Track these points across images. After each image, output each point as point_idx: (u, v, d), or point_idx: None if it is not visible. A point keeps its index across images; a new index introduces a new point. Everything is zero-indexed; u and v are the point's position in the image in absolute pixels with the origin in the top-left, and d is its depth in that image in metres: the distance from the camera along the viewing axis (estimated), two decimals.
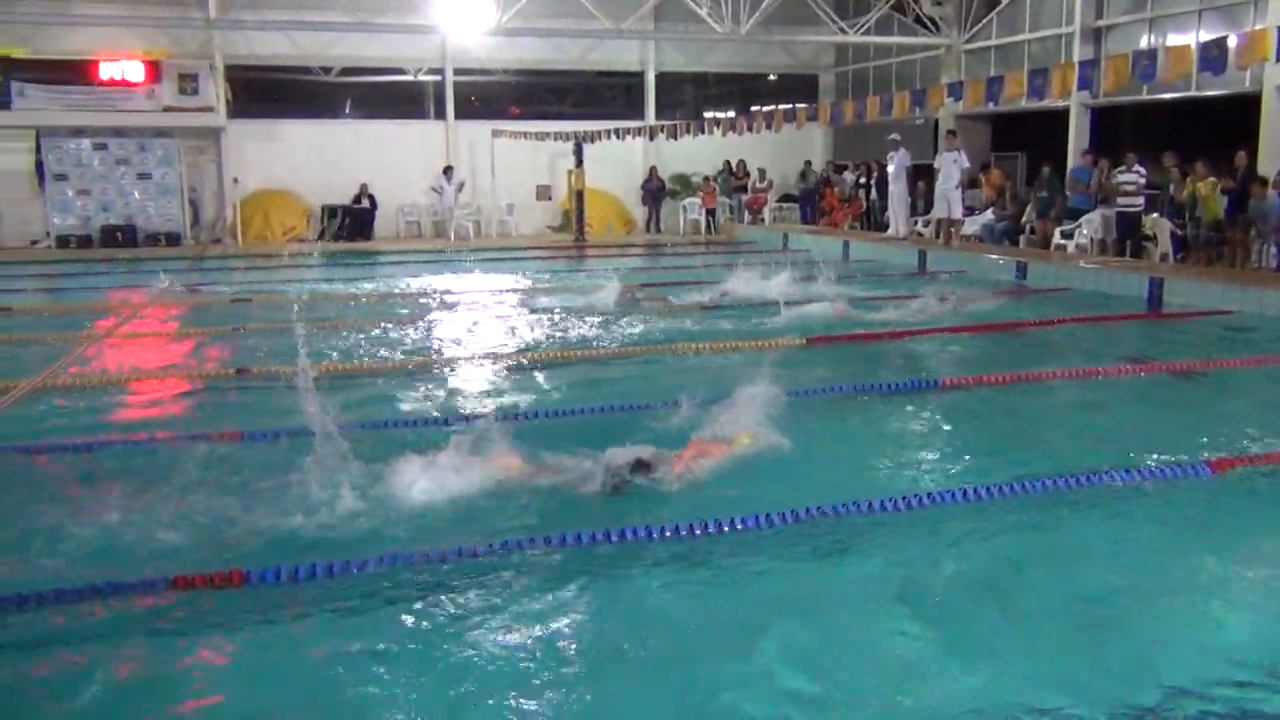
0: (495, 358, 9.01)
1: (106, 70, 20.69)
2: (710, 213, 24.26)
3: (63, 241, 21.08)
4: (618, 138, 20.33)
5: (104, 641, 3.81)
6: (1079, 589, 4.21)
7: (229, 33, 21.70)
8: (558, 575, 4.33)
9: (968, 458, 6.09)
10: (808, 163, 24.45)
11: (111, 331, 10.51)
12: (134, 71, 20.80)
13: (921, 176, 19.63)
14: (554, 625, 3.90)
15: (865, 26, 22.65)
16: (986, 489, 5.20)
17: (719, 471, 5.46)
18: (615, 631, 3.88)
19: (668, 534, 4.68)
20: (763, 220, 23.79)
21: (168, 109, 21.06)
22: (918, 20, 22.31)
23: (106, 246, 20.72)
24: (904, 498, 5.09)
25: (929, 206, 18.94)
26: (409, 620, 3.98)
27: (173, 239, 21.50)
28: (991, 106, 14.15)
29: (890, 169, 18.88)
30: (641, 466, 5.32)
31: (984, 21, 21.31)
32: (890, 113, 13.41)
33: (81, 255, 19.60)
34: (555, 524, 4.82)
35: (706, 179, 24.67)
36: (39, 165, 21.42)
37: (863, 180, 22.47)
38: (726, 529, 4.73)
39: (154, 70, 20.93)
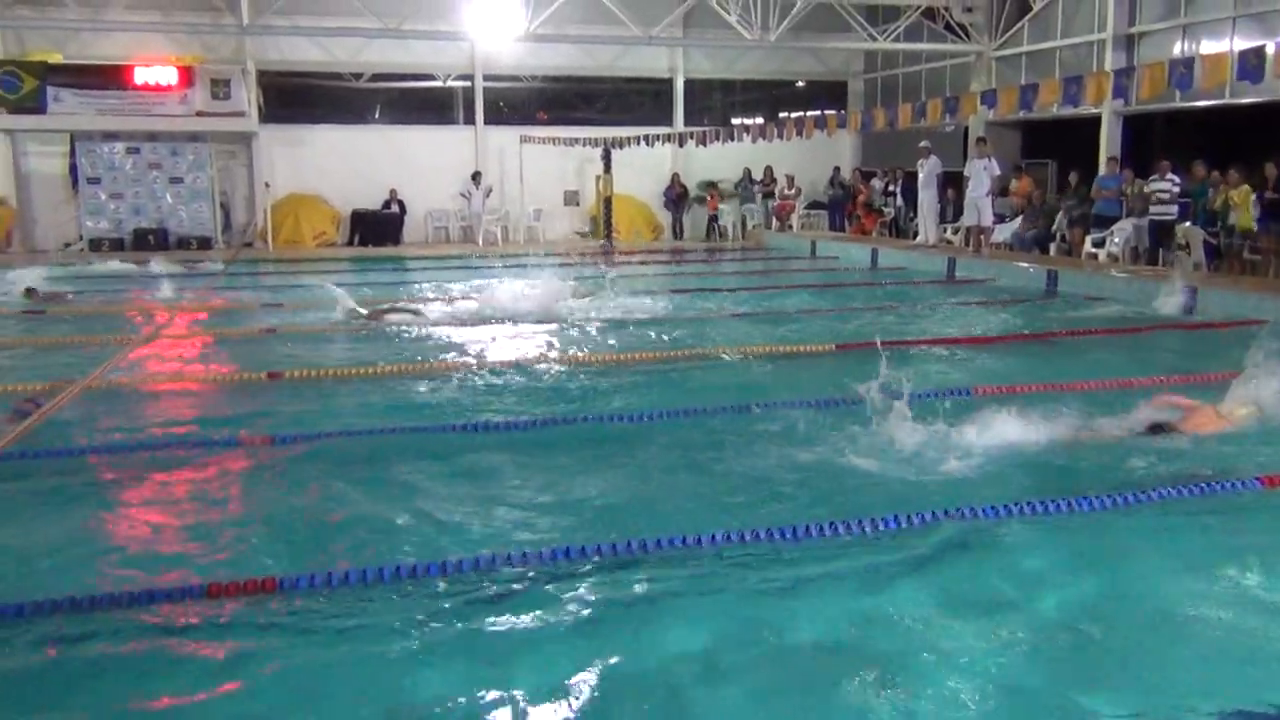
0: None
1: (140, 75, 20.87)
2: (713, 218, 24.42)
3: (95, 244, 21.29)
4: (646, 144, 20.34)
5: (141, 647, 3.82)
6: None
7: (261, 38, 21.87)
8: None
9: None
10: (836, 169, 24.39)
11: (156, 334, 10.56)
12: (167, 77, 20.97)
13: (951, 183, 19.53)
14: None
15: (895, 33, 22.57)
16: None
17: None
18: None
19: None
20: (790, 227, 23.73)
21: (200, 114, 21.22)
22: (948, 27, 22.21)
23: (138, 250, 20.90)
24: None
25: (958, 213, 18.84)
26: (460, 625, 3.96)
27: (204, 243, 21.67)
28: (1024, 114, 14.06)
29: (920, 176, 18.80)
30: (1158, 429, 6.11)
31: (1015, 28, 21.19)
32: (922, 120, 13.35)
33: (114, 258, 19.77)
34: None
35: (710, 186, 24.68)
36: (73, 169, 21.65)
37: (890, 187, 22.40)
38: None
39: (187, 75, 21.11)
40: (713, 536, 4.65)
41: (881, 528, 4.79)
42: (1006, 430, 6.08)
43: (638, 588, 4.28)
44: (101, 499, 5.47)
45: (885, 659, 3.66)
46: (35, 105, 20.31)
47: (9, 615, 3.91)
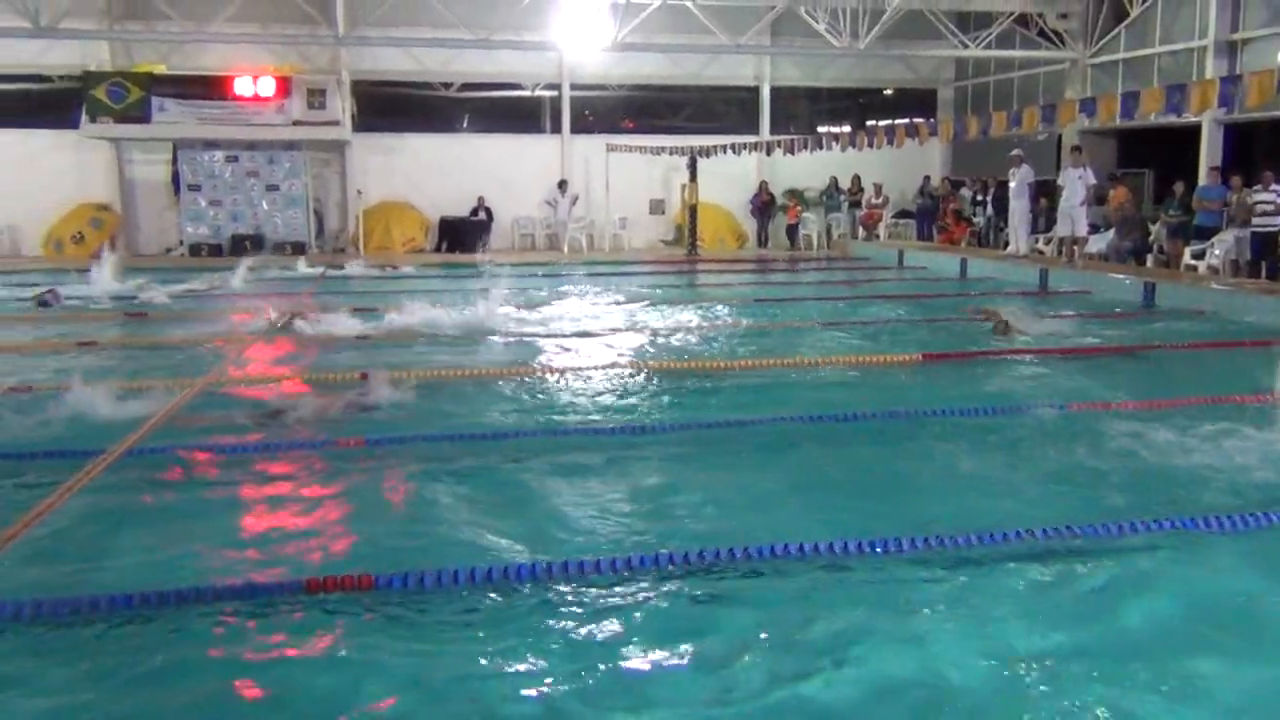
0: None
1: (240, 85, 21.50)
2: (792, 228, 24.31)
3: (195, 250, 21.95)
4: (733, 152, 20.31)
5: (238, 642, 3.91)
6: None
7: (356, 49, 22.36)
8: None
9: None
10: (926, 178, 24.09)
11: (261, 338, 10.83)
12: (265, 87, 21.56)
13: (1043, 193, 19.15)
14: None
15: (987, 40, 22.23)
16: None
17: None
18: None
19: None
20: (877, 236, 23.49)
21: (296, 123, 21.77)
22: (1041, 34, 21.81)
23: (235, 255, 21.46)
24: None
25: (1050, 223, 18.46)
26: (553, 632, 3.99)
27: (298, 248, 22.19)
28: (1123, 122, 13.73)
29: (1011, 185, 18.46)
30: None
31: (1111, 34, 20.73)
32: (1017, 128, 13.10)
33: (213, 263, 20.35)
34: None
35: (795, 195, 24.55)
36: (175, 176, 22.36)
37: (979, 197, 22.05)
38: None
39: (284, 86, 21.68)
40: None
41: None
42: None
43: (725, 593, 4.26)
44: (211, 495, 5.62)
45: None
46: (141, 115, 21.04)
47: (120, 605, 4.04)
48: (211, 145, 22.05)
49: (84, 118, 21.07)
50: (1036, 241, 19.09)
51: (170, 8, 20.12)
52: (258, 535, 5.04)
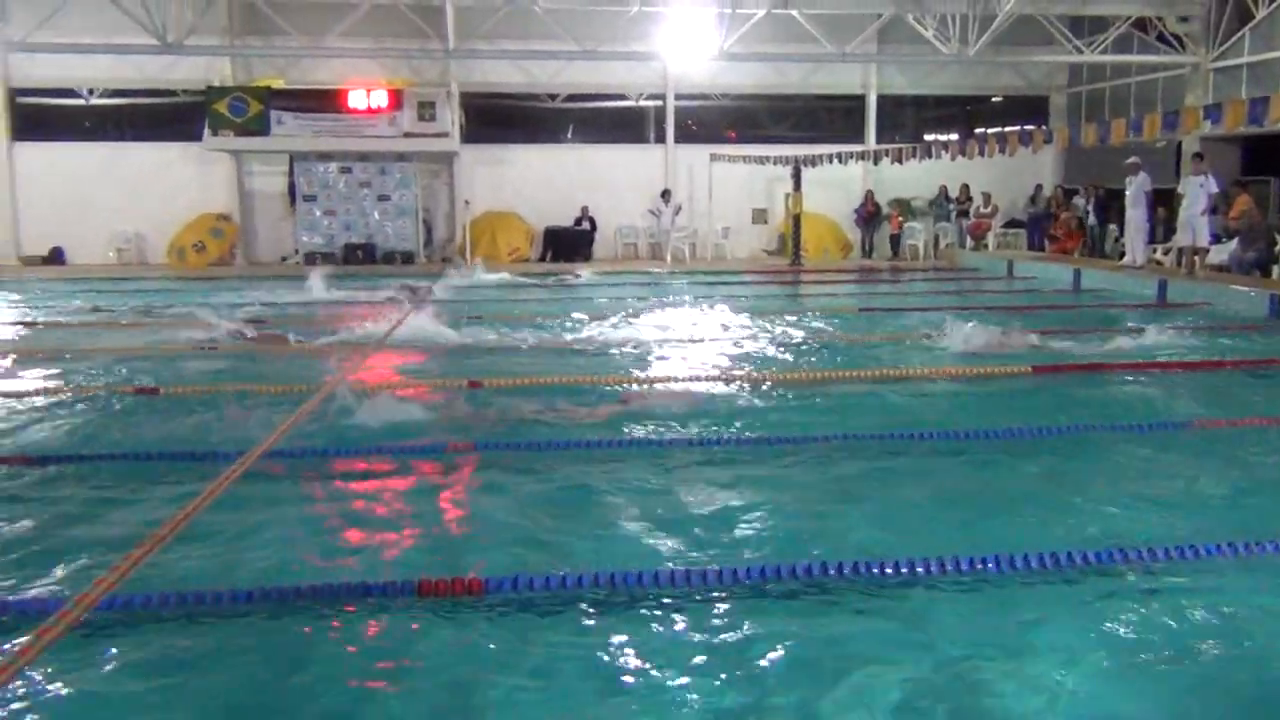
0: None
1: (354, 99, 22.09)
2: (895, 237, 24.00)
3: (309, 258, 22.59)
4: (839, 161, 20.13)
5: (354, 641, 4.01)
6: None
7: (464, 61, 22.79)
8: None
9: None
10: (1038, 187, 23.54)
11: (381, 343, 11.11)
12: (378, 100, 22.12)
13: (1161, 201, 18.53)
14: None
15: (1103, 45, 21.63)
16: None
17: None
18: None
19: None
20: (986, 246, 23.02)
21: (407, 135, 22.29)
22: (1160, 38, 21.14)
23: (348, 264, 22.09)
24: None
25: (1168, 233, 17.85)
26: (654, 638, 4.01)
27: (407, 257, 22.70)
28: (1249, 128, 13.20)
29: (1128, 193, 17.89)
30: None
31: (1235, 38, 19.98)
32: (1138, 135, 12.71)
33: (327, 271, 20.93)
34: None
35: (901, 204, 24.21)
36: (291, 187, 23.07)
37: (1086, 205, 21.45)
38: None
39: (396, 98, 22.21)
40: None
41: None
42: None
43: (843, 606, 4.23)
44: (332, 496, 5.80)
45: None
46: (260, 128, 21.77)
47: (240, 600, 4.18)
48: (326, 157, 22.69)
49: (207, 131, 21.89)
50: (1154, 252, 18.48)
51: (288, 23, 20.78)
52: (375, 536, 5.17)
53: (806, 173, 21.41)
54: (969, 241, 23.36)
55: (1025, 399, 8.32)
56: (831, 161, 20.25)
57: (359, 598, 4.26)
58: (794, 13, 20.82)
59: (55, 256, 23.10)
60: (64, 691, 3.45)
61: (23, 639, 3.14)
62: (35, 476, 6.06)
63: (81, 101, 23.50)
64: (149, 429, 7.19)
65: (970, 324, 10.77)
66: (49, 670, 3.46)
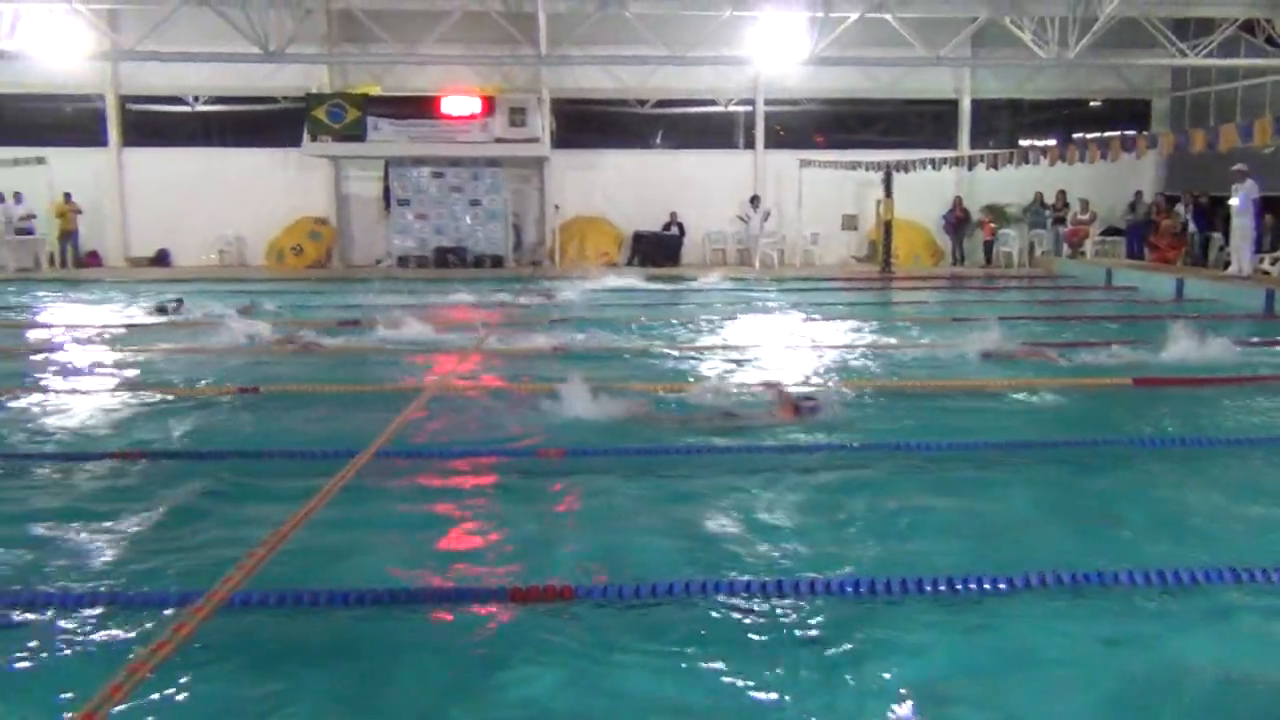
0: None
1: (447, 105, 22.45)
2: (989, 244, 23.63)
3: (402, 261, 23.03)
4: (932, 167, 19.83)
5: (449, 642, 4.07)
6: None
7: (556, 67, 23.00)
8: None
9: None
10: (1138, 193, 22.90)
11: (478, 346, 11.27)
12: (471, 106, 22.45)
13: (1269, 209, 17.87)
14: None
15: (1208, 48, 20.97)
16: None
17: None
18: None
19: None
20: (1083, 254, 22.48)
21: (499, 140, 22.56)
22: (1269, 40, 20.41)
23: (439, 267, 22.44)
24: None
25: (1277, 242, 17.22)
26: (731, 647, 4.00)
27: (497, 261, 22.98)
28: None
29: (1234, 202, 17.32)
30: None
31: None
32: (1248, 140, 12.24)
33: (419, 274, 21.34)
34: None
35: (994, 211, 23.75)
36: (386, 191, 23.53)
37: (1184, 213, 20.78)
38: None
39: (488, 104, 22.51)
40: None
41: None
42: None
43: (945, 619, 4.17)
44: (429, 498, 5.91)
45: None
46: (357, 134, 22.24)
47: (338, 601, 4.27)
48: (420, 162, 23.08)
49: (306, 137, 22.44)
50: (1261, 261, 17.84)
51: (385, 31, 21.18)
52: (468, 539, 5.26)
53: (897, 178, 21.13)
54: (1065, 249, 22.82)
55: (1125, 411, 8.11)
56: (924, 167, 19.95)
57: (454, 601, 4.33)
58: (887, 16, 20.56)
59: (161, 258, 23.89)
60: (196, 684, 3.54)
61: (153, 633, 3.23)
62: (153, 472, 6.26)
63: (187, 108, 24.27)
64: (255, 427, 7.39)
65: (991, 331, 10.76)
66: (183, 664, 3.56)
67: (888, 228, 21.75)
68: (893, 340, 11.96)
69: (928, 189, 22.83)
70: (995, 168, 18.14)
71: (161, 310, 14.48)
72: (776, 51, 21.32)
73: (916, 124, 25.33)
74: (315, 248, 23.61)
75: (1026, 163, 16.83)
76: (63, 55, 20.90)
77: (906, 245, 23.27)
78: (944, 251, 24.36)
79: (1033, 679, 3.71)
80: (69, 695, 3.43)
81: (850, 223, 24.67)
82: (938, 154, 20.67)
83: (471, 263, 22.91)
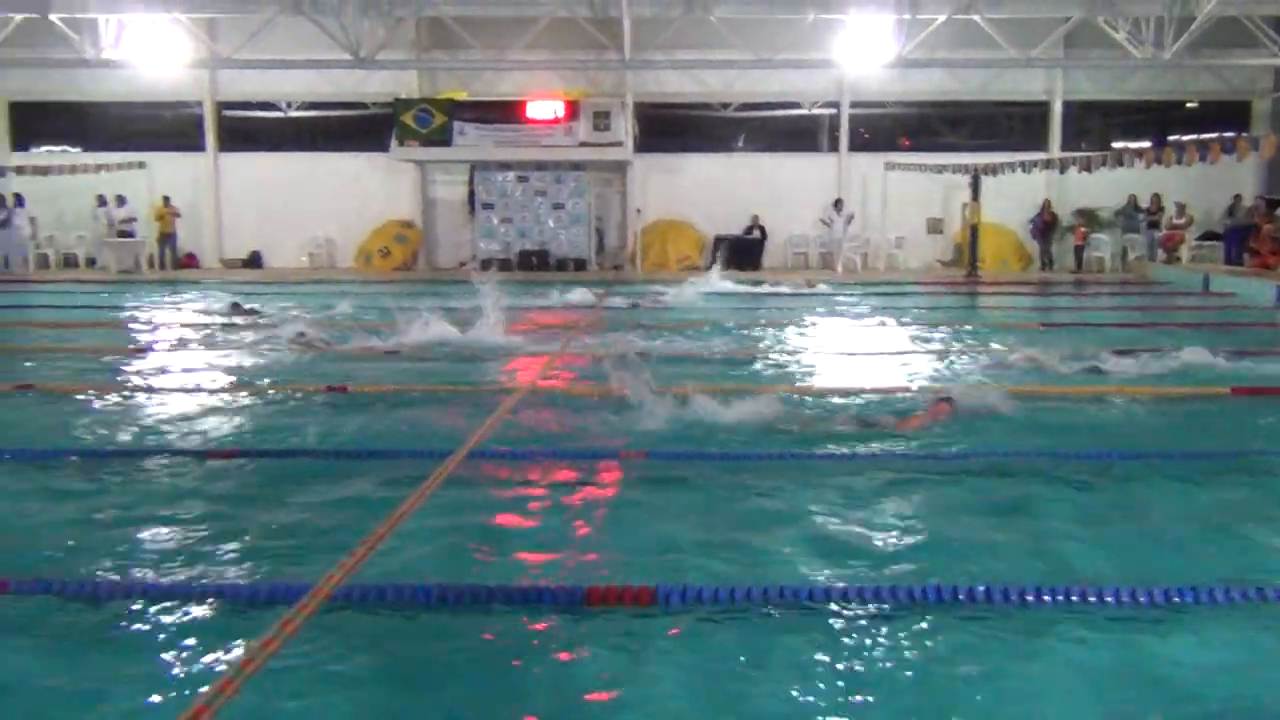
0: None
1: (532, 109, 22.70)
2: (1079, 249, 23.12)
3: (485, 264, 23.30)
4: (1022, 170, 19.47)
5: (521, 642, 4.10)
6: None
7: (639, 72, 23.10)
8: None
9: None
10: (1237, 197, 22.23)
11: (565, 348, 11.37)
12: (555, 110, 22.66)
13: None
14: None
15: None
16: None
17: None
18: None
19: None
20: (1179, 259, 21.86)
21: (583, 144, 22.74)
22: None
23: (523, 270, 22.69)
24: None
25: None
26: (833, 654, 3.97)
27: (579, 264, 23.15)
28: None
29: None
30: None
31: None
32: None
33: (503, 277, 21.54)
34: None
35: (1085, 215, 23.21)
36: (471, 195, 23.87)
37: None
38: None
39: (572, 109, 22.70)
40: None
41: None
42: None
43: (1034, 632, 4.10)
44: (513, 497, 5.97)
45: None
46: (443, 138, 22.61)
47: (431, 598, 4.34)
48: (504, 166, 23.37)
49: (394, 142, 22.87)
50: None
51: (472, 37, 21.50)
52: (548, 538, 5.29)
53: (985, 181, 20.80)
54: (1160, 254, 22.23)
55: (1223, 421, 7.87)
56: (1014, 170, 19.60)
57: (532, 602, 4.36)
58: (976, 17, 20.26)
59: (254, 260, 24.54)
60: (302, 680, 3.62)
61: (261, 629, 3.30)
62: (250, 469, 6.42)
63: (280, 114, 24.91)
64: (346, 426, 7.55)
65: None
66: (289, 659, 3.61)
67: (974, 231, 21.42)
68: (994, 345, 11.72)
69: (1016, 192, 22.45)
70: (1088, 170, 17.76)
71: (236, 310, 14.84)
72: (862, 54, 21.15)
73: (1005, 126, 24.91)
74: (402, 250, 24.05)
75: (1121, 165, 16.45)
76: (164, 64, 21.60)
77: (993, 249, 22.89)
78: (1032, 256, 23.90)
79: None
80: (175, 690, 3.53)
81: (935, 226, 24.35)
82: (1028, 156, 20.30)
83: (554, 266, 23.11)
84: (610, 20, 21.61)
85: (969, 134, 24.93)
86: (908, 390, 8.89)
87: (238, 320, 14.04)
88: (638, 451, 6.76)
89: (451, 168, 24.23)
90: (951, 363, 10.59)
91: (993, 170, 20.02)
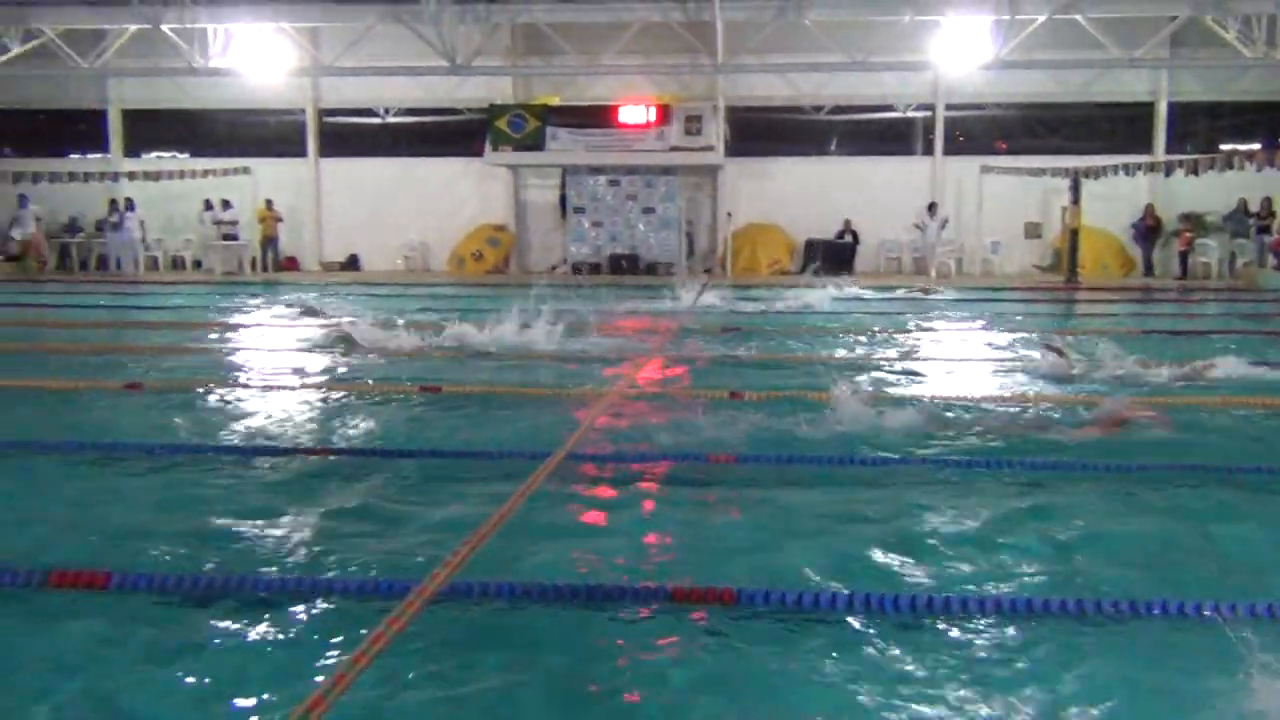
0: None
1: (624, 114, 22.81)
2: (1183, 256, 22.47)
3: (576, 268, 23.51)
4: (1125, 173, 18.94)
5: (598, 640, 4.12)
6: None
7: (731, 76, 23.06)
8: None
9: None
10: None
11: (657, 351, 11.41)
12: (647, 115, 22.74)
13: None
14: None
15: None
16: None
17: None
18: None
19: None
20: None
21: (674, 148, 22.78)
22: None
23: (613, 273, 22.82)
24: None
25: None
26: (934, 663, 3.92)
27: (669, 268, 23.19)
28: None
29: None
30: None
31: None
32: None
33: (595, 280, 21.74)
34: None
35: (1191, 219, 22.46)
36: (563, 199, 24.09)
37: None
38: None
39: (664, 113, 22.76)
40: None
41: None
42: None
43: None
44: (602, 499, 6.02)
45: None
46: (536, 143, 22.87)
47: (488, 592, 4.39)
48: (596, 171, 23.53)
49: (488, 147, 23.19)
50: None
51: (566, 43, 21.70)
52: (636, 539, 5.32)
53: (1086, 185, 20.28)
54: (1271, 260, 21.41)
55: None
56: (1116, 173, 19.09)
57: (615, 600, 4.39)
58: (1078, 17, 19.77)
59: (351, 263, 25.11)
60: (408, 675, 3.69)
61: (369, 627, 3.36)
62: (349, 468, 6.56)
63: (378, 120, 25.45)
64: (441, 426, 7.68)
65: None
66: (396, 656, 3.66)
67: (1074, 236, 20.90)
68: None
69: (1118, 196, 21.88)
70: (1195, 173, 17.21)
71: (310, 312, 15.18)
72: (959, 55, 20.81)
73: (1106, 128, 24.27)
74: (494, 253, 24.38)
75: (1230, 168, 15.93)
76: (268, 72, 22.23)
77: (1094, 254, 22.30)
78: (1134, 261, 23.23)
79: None
80: (285, 685, 3.60)
81: (1033, 231, 23.83)
82: (1131, 159, 19.74)
83: (644, 270, 23.19)
84: (702, 24, 21.61)
85: (1068, 136, 24.33)
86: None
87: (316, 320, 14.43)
88: (727, 455, 6.76)
89: (544, 172, 24.49)
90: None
91: (1094, 173, 19.51)
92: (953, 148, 23.93)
